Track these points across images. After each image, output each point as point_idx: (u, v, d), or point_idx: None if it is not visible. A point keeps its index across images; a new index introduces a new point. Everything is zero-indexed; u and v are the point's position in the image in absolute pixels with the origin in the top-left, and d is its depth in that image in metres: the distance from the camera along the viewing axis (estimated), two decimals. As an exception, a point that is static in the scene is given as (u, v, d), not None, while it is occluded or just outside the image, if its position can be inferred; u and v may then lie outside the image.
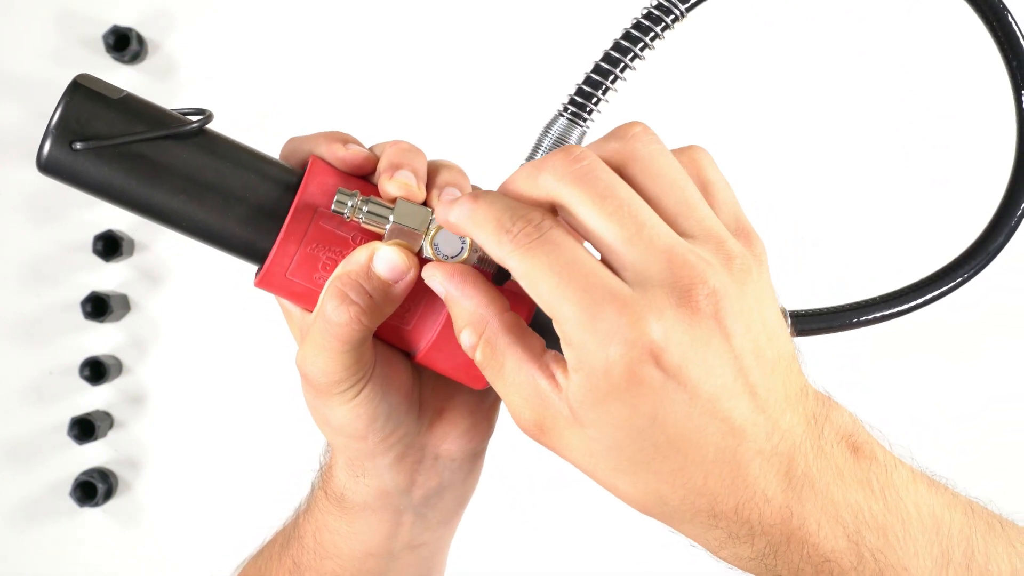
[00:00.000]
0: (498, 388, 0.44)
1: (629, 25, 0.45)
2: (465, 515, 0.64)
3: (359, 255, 0.47)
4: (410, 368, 0.53)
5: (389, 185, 0.48)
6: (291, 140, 0.52)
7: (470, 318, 0.44)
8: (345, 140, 0.51)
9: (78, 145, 0.45)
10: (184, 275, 1.23)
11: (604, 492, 0.44)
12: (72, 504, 1.21)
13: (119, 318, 1.22)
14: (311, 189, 0.48)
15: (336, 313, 0.47)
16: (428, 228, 0.47)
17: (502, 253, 0.42)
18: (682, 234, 0.41)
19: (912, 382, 1.20)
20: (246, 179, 0.48)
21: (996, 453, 1.19)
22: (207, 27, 1.21)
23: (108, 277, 1.22)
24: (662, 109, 1.15)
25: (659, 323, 0.39)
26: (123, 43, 1.18)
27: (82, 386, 1.21)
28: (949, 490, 0.45)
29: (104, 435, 1.22)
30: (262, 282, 0.49)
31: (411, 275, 0.47)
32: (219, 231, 0.48)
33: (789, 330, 0.44)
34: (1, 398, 1.21)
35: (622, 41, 0.45)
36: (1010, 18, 0.49)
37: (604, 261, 0.41)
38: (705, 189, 0.44)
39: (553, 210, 0.43)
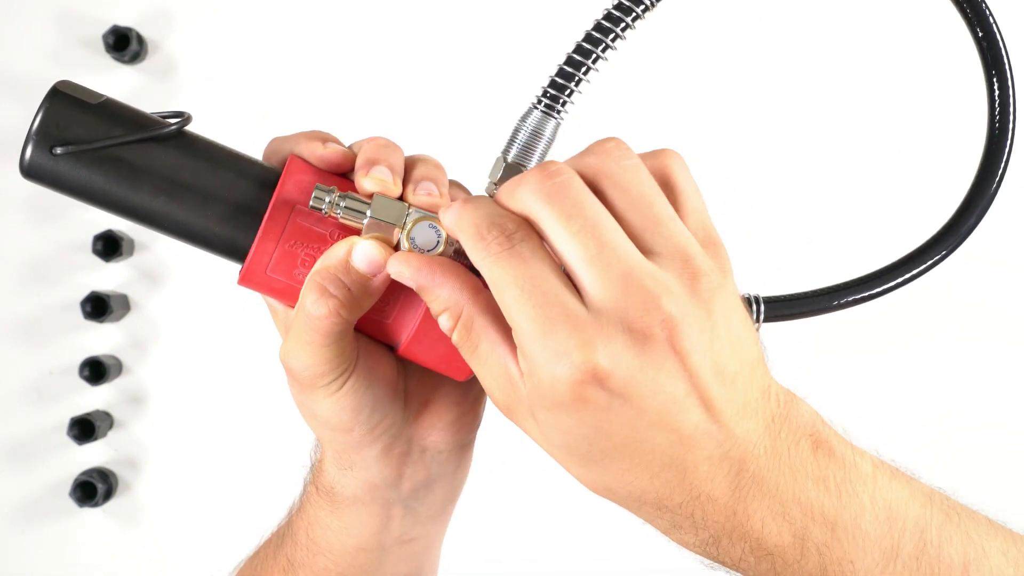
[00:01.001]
0: (473, 367, 0.46)
1: (600, 16, 0.46)
2: (456, 515, 0.64)
3: (338, 250, 0.48)
4: (394, 361, 0.54)
5: (365, 181, 0.49)
6: (273, 140, 0.53)
7: (446, 303, 0.46)
8: (324, 139, 0.52)
9: (58, 150, 0.47)
10: (184, 275, 1.23)
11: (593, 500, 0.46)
12: (72, 504, 1.21)
13: (119, 318, 1.23)
14: (289, 187, 0.49)
15: (315, 307, 0.48)
16: (405, 222, 0.48)
17: (476, 259, 0.43)
18: (647, 250, 0.42)
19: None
20: (224, 179, 0.49)
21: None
22: (207, 27, 1.22)
23: (108, 277, 1.23)
24: (654, 106, 1.15)
25: (607, 347, 0.40)
26: (123, 43, 1.19)
27: (82, 386, 1.22)
28: (911, 482, 0.46)
29: (104, 435, 1.23)
30: (244, 280, 0.50)
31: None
32: (200, 231, 0.49)
33: (756, 331, 0.45)
34: (1, 398, 1.22)
35: (593, 32, 0.46)
36: (988, 13, 0.50)
37: (571, 278, 0.42)
38: (673, 196, 0.45)
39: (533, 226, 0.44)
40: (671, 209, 0.44)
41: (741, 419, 0.43)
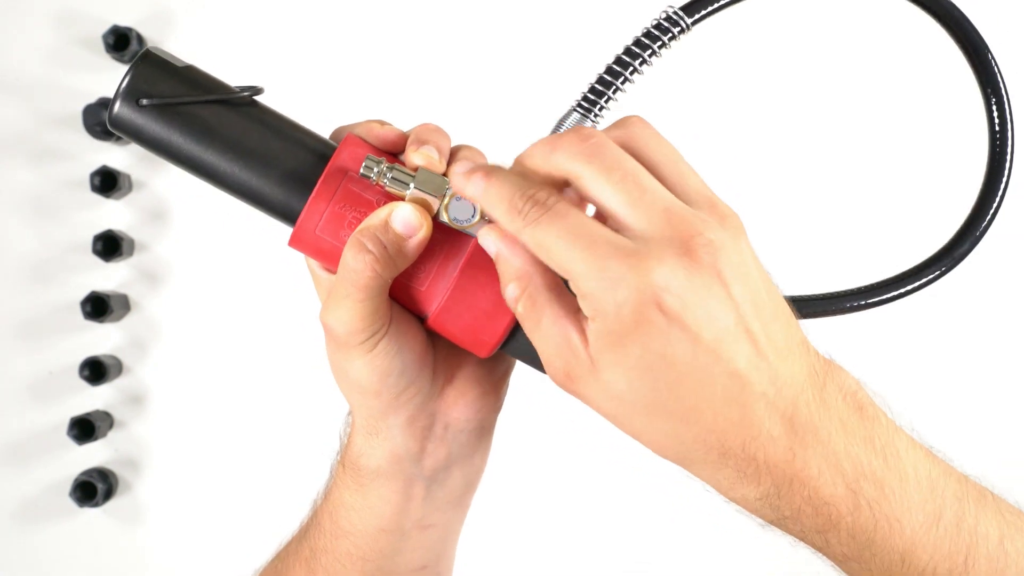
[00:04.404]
0: (534, 339, 0.50)
1: (640, 33, 0.52)
2: (472, 521, 0.68)
3: (380, 212, 0.54)
4: (424, 333, 0.59)
5: (414, 156, 0.55)
6: (338, 127, 0.59)
7: (517, 273, 0.51)
8: (382, 123, 0.58)
9: (144, 102, 0.54)
10: (184, 275, 1.27)
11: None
12: (72, 504, 1.24)
13: (119, 318, 1.26)
14: (343, 156, 0.55)
15: (354, 260, 0.53)
16: (444, 195, 0.54)
17: (515, 230, 0.49)
18: (680, 199, 0.48)
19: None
20: (287, 146, 0.56)
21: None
22: (207, 27, 1.25)
23: (108, 277, 1.26)
24: (655, 104, 1.19)
25: (661, 269, 0.45)
26: (123, 43, 1.22)
27: (82, 386, 1.24)
28: (945, 462, 0.50)
29: (104, 435, 1.26)
30: (294, 237, 0.56)
31: (423, 232, 0.54)
32: (259, 190, 0.56)
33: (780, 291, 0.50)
34: (1, 398, 1.25)
35: (633, 47, 0.52)
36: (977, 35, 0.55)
37: (611, 227, 0.47)
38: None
39: (560, 186, 0.49)
40: (690, 167, 0.49)
41: (783, 361, 0.47)
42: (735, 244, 0.46)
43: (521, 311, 0.50)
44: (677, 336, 0.45)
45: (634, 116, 0.50)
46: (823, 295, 0.57)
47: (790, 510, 0.47)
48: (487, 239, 0.52)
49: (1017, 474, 1.23)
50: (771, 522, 0.49)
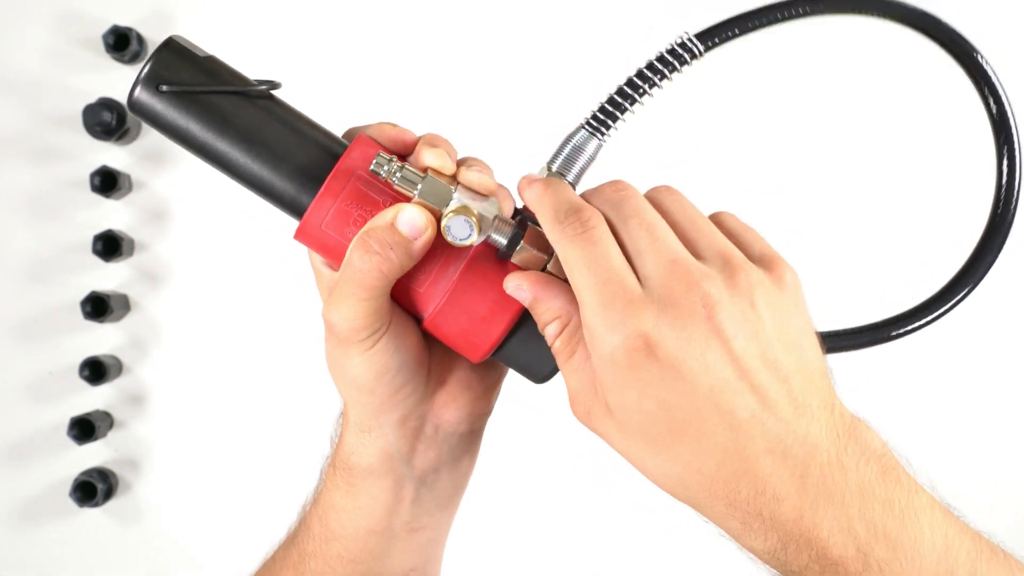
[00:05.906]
0: (564, 371, 0.53)
1: (653, 57, 0.54)
2: (459, 525, 0.70)
3: (386, 213, 0.56)
4: (421, 335, 0.61)
5: (424, 155, 0.56)
6: (350, 128, 0.61)
7: (559, 311, 0.53)
8: (394, 125, 0.59)
9: (164, 88, 0.55)
10: (184, 275, 1.27)
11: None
12: (72, 504, 1.25)
13: (119, 318, 1.27)
14: (354, 155, 0.57)
15: (360, 261, 0.55)
16: (446, 208, 0.55)
17: (552, 237, 0.52)
18: (695, 254, 0.50)
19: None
20: (300, 141, 0.57)
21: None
22: (207, 27, 1.25)
23: (108, 277, 1.26)
24: (669, 116, 1.19)
25: (654, 319, 0.47)
26: (123, 43, 1.22)
27: (82, 386, 1.25)
28: (961, 520, 0.51)
29: (104, 435, 1.27)
30: (300, 231, 0.57)
31: (428, 234, 0.55)
32: (269, 182, 0.57)
33: (822, 349, 0.50)
34: (1, 398, 1.26)
35: (645, 71, 0.54)
36: (996, 83, 0.55)
37: (633, 267, 0.50)
38: (733, 235, 0.53)
39: None
40: (715, 227, 0.52)
41: (798, 418, 0.47)
42: (737, 299, 0.48)
43: (559, 346, 0.53)
44: (672, 383, 0.47)
45: (664, 186, 0.54)
46: (864, 327, 0.58)
47: (797, 566, 0.48)
48: (519, 291, 0.54)
49: None
50: (779, 572, 0.50)
